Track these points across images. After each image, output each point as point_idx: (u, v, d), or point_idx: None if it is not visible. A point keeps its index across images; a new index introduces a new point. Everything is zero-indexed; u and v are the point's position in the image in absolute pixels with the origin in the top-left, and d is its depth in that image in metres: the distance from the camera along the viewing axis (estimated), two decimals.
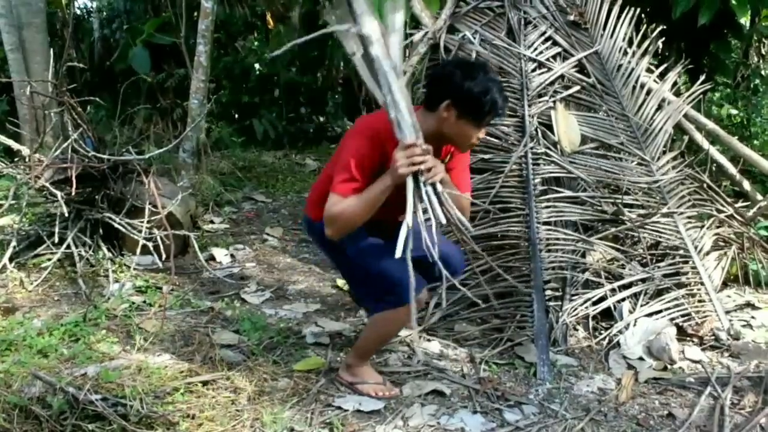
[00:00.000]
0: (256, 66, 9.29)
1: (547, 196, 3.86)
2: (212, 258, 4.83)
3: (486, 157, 4.01)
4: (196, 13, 5.91)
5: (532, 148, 3.93)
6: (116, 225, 4.35)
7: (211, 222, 5.70)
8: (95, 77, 9.89)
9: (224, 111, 9.12)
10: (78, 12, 10.39)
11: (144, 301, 3.94)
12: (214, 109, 8.84)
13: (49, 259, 4.26)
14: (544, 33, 4.31)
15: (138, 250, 4.35)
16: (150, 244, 4.22)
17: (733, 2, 5.24)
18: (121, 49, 8.89)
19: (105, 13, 9.92)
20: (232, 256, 4.94)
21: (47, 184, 4.21)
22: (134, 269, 4.30)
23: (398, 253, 2.27)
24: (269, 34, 9.94)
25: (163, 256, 4.12)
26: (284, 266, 4.79)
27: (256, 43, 9.84)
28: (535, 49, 4.26)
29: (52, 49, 5.21)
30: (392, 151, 2.45)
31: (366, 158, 2.60)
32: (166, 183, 5.06)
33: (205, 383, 3.01)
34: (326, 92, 10.40)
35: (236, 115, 9.21)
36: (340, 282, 4.35)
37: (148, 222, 4.28)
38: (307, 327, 3.71)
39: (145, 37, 8.29)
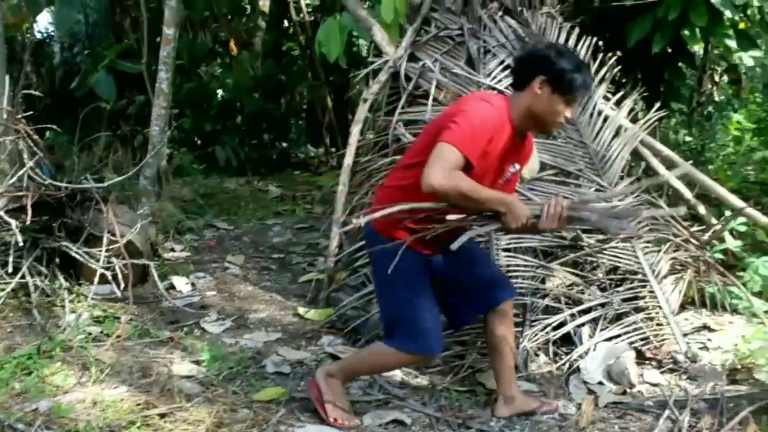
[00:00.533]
0: (219, 92, 9.27)
1: None
2: (172, 287, 4.76)
3: None
4: (159, 39, 5.87)
5: None
6: (73, 254, 4.28)
7: (172, 250, 5.63)
8: (55, 103, 9.77)
9: (187, 138, 9.06)
10: (39, 36, 10.27)
11: (101, 332, 3.87)
12: (176, 136, 8.79)
13: (2, 290, 4.16)
14: (503, 61, 4.37)
15: (96, 280, 4.27)
16: (108, 273, 4.15)
17: (685, 32, 5.37)
18: (83, 75, 8.80)
19: (66, 39, 9.83)
20: (192, 284, 4.88)
21: (1, 213, 4.12)
22: (92, 299, 4.21)
23: (455, 246, 2.53)
24: (232, 60, 9.93)
25: (122, 285, 4.06)
26: (245, 294, 4.75)
27: (219, 69, 9.82)
28: (495, 77, 4.32)
29: (8, 75, 5.14)
30: (498, 141, 2.60)
31: (487, 127, 2.58)
32: (126, 211, 4.99)
33: (162, 416, 2.96)
34: (289, 119, 10.41)
35: (199, 142, 9.16)
36: (302, 310, 4.33)
37: (106, 251, 4.21)
38: (268, 356, 3.68)
39: (108, 63, 8.22)
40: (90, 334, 3.79)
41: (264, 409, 3.11)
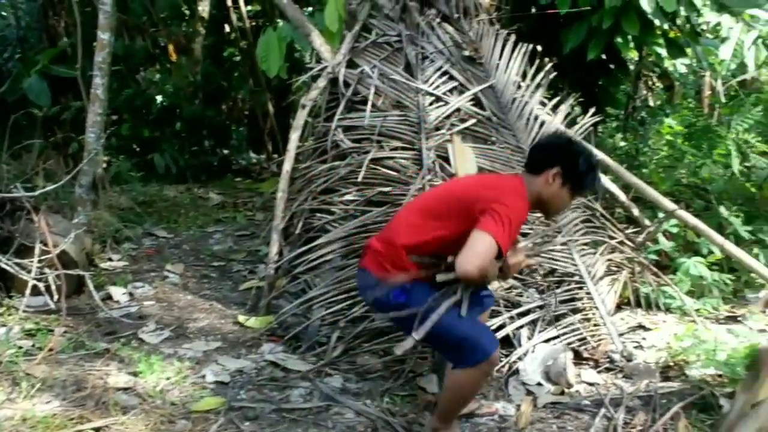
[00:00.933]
0: (158, 98, 9.11)
1: None
2: (109, 297, 4.65)
3: (385, 189, 4.06)
4: (95, 44, 5.73)
5: (429, 180, 3.99)
6: (3, 265, 4.13)
7: (109, 260, 5.50)
8: None
9: (125, 144, 8.87)
10: None
11: (33, 345, 3.74)
12: (113, 143, 8.60)
13: None
14: (441, 68, 4.42)
15: (28, 291, 4.14)
16: (41, 285, 4.03)
17: (618, 40, 5.52)
18: (14, 79, 8.54)
19: None
20: (130, 294, 4.77)
21: None
22: (23, 311, 4.08)
23: (463, 312, 2.66)
24: (171, 66, 9.78)
25: (56, 297, 3.95)
26: (185, 304, 4.67)
27: (157, 75, 9.65)
28: (432, 83, 4.36)
29: None
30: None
31: (521, 223, 2.81)
32: (59, 220, 4.86)
33: (97, 430, 2.89)
34: (230, 125, 10.29)
35: (137, 149, 8.98)
36: (242, 318, 4.28)
37: (39, 261, 4.08)
38: (207, 366, 3.62)
39: (40, 67, 7.99)
40: (21, 348, 3.65)
41: (203, 419, 3.06)
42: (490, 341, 2.72)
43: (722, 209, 4.87)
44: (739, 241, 4.75)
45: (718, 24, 5.94)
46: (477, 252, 2.55)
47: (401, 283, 2.75)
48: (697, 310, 4.47)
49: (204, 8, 10.13)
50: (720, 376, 3.42)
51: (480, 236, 2.57)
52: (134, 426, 2.93)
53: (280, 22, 5.44)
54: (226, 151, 9.92)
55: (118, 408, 3.07)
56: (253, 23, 10.15)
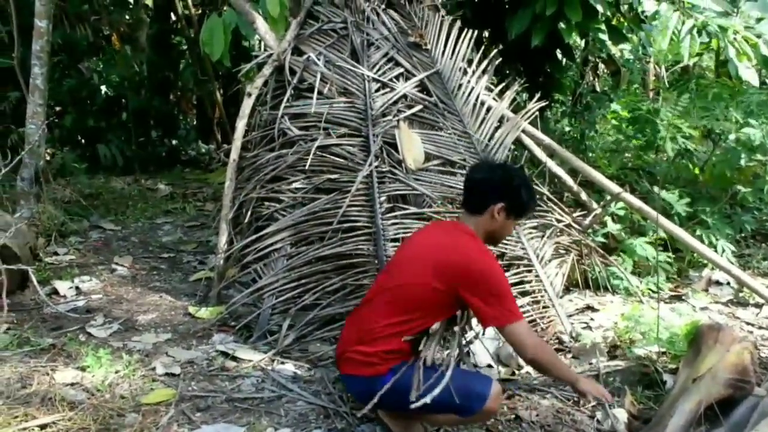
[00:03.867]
0: (103, 89, 8.91)
1: (394, 214, 3.94)
2: (55, 292, 4.54)
3: (332, 177, 4.05)
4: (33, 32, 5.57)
5: (377, 167, 4.00)
6: None
7: (55, 254, 5.38)
8: None
9: (69, 136, 8.66)
10: None
11: None
12: (57, 135, 8.39)
13: None
14: (387, 54, 4.42)
15: None
16: None
17: (561, 26, 5.58)
18: None
19: None
20: (77, 288, 4.67)
21: None
22: None
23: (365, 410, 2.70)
24: (116, 55, 9.57)
25: None
26: (134, 296, 4.59)
27: (101, 65, 9.43)
28: (379, 69, 4.36)
29: None
30: None
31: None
32: (0, 214, 4.73)
33: (43, 427, 2.83)
34: (178, 115, 10.13)
35: (82, 141, 8.78)
36: (192, 309, 4.23)
37: None
38: (158, 357, 3.58)
39: None
40: None
41: (153, 411, 3.02)
42: (482, 384, 2.67)
43: (663, 192, 4.98)
44: (682, 223, 4.88)
45: (657, 12, 6.05)
46: (526, 344, 2.62)
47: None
48: (643, 291, 4.58)
49: None
50: (664, 353, 3.51)
51: (511, 332, 2.62)
52: (82, 421, 2.88)
53: (226, 10, 5.35)
54: (174, 142, 9.76)
55: (65, 404, 3.01)
56: (199, 11, 9.99)
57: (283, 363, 3.53)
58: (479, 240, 2.77)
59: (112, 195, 7.34)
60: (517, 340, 2.62)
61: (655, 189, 5.13)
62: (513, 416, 3.10)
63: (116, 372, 3.36)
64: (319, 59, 4.37)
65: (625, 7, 6.37)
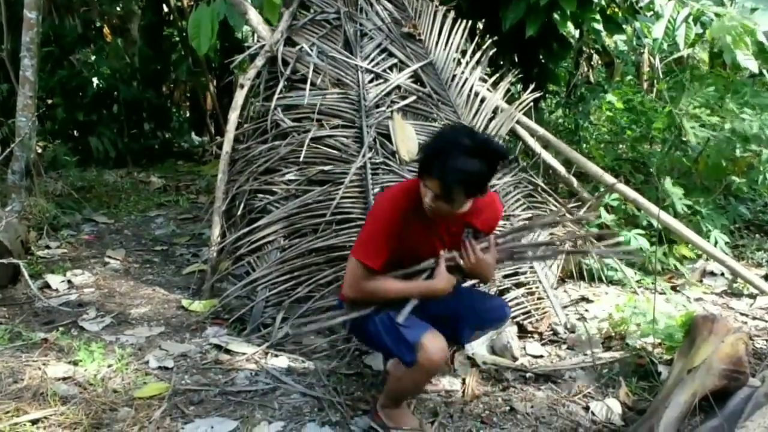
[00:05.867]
0: (94, 81, 8.85)
1: None
2: (47, 286, 4.51)
3: (326, 168, 4.02)
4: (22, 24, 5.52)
5: (370, 159, 3.98)
6: None
7: (47, 247, 5.34)
8: None
9: (60, 129, 8.60)
10: None
11: None
12: (48, 127, 8.33)
13: None
14: (380, 45, 4.39)
15: None
16: None
17: (556, 16, 5.55)
18: None
19: None
20: (69, 282, 4.64)
21: None
22: None
23: (400, 319, 2.57)
24: (107, 47, 9.50)
25: None
26: (127, 290, 4.56)
27: (92, 57, 9.36)
28: (372, 60, 4.33)
29: None
30: (409, 227, 2.59)
31: (386, 230, 2.60)
32: None
33: (34, 422, 2.81)
34: (171, 107, 10.07)
35: (75, 133, 8.72)
36: (186, 302, 4.21)
37: None
38: (151, 351, 3.56)
39: None
40: None
41: (146, 405, 3.00)
42: (414, 333, 2.61)
43: (667, 182, 4.95)
44: (677, 213, 4.87)
45: (652, 2, 6.03)
46: (346, 276, 2.68)
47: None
48: (638, 282, 4.57)
49: None
50: (659, 344, 3.50)
51: (349, 261, 2.68)
52: (74, 415, 2.86)
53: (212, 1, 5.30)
54: (167, 134, 9.70)
55: (57, 398, 2.99)
56: (191, 2, 9.92)
57: (276, 356, 3.51)
58: (403, 192, 2.66)
59: (105, 188, 7.30)
60: (347, 271, 2.69)
61: (654, 179, 5.12)
62: (508, 408, 3.10)
63: (109, 366, 3.34)
64: (312, 50, 4.34)
65: None
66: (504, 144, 2.87)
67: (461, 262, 2.66)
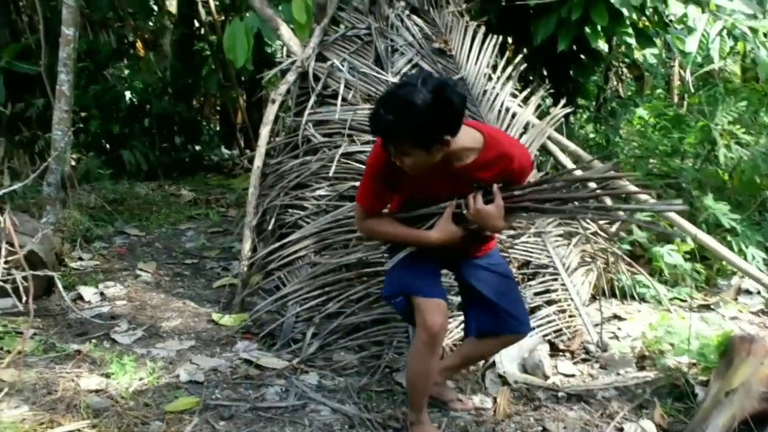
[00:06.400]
0: (127, 95, 8.98)
1: None
2: (80, 297, 4.57)
3: (356, 184, 4.02)
4: (60, 39, 5.63)
5: None
6: None
7: (80, 259, 5.40)
8: None
9: (94, 142, 8.72)
10: None
11: (1, 348, 3.67)
12: (82, 140, 8.46)
13: None
14: (411, 60, 4.39)
15: None
16: (8, 286, 3.94)
17: (587, 30, 5.53)
18: None
19: None
20: (101, 294, 4.69)
21: None
22: None
23: (387, 266, 2.84)
24: (140, 61, 9.63)
25: (24, 298, 3.86)
26: (158, 302, 4.60)
27: (126, 71, 9.50)
28: (403, 75, 4.33)
29: None
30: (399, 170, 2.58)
31: (375, 171, 2.69)
32: (26, 220, 4.76)
33: None
34: (201, 121, 10.17)
35: (107, 146, 8.84)
36: (216, 316, 4.23)
37: (5, 262, 3.99)
38: (181, 365, 3.58)
39: (3, 64, 7.83)
40: None
41: (177, 419, 3.02)
42: (394, 289, 2.82)
43: (708, 199, 4.87)
44: (710, 230, 4.80)
45: (685, 15, 5.97)
46: (358, 224, 2.93)
47: None
48: (671, 299, 4.50)
49: (171, 2, 10.01)
50: (694, 364, 3.44)
51: (355, 208, 2.91)
52: (106, 428, 2.89)
53: (248, 15, 5.37)
54: (197, 148, 9.79)
55: (89, 410, 3.02)
56: (222, 18, 10.04)
57: (307, 372, 3.51)
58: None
59: (136, 200, 7.37)
60: (355, 216, 2.92)
61: (687, 195, 5.05)
62: (540, 428, 3.06)
63: (140, 379, 3.37)
64: (343, 65, 4.36)
65: (651, 10, 6.29)
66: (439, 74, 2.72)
67: (464, 211, 2.63)
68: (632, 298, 4.57)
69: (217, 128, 10.89)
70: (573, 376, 3.57)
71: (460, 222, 2.66)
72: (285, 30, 4.75)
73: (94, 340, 3.85)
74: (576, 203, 2.66)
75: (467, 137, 2.56)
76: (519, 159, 2.64)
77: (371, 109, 2.56)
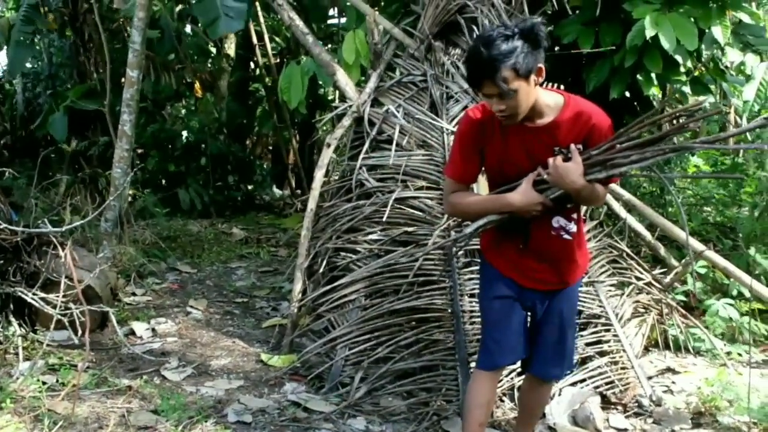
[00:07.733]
0: (184, 134, 9.23)
1: (471, 268, 3.89)
2: (133, 333, 4.66)
3: (410, 229, 4.04)
4: (123, 80, 5.84)
5: (455, 220, 3.97)
6: (29, 299, 4.16)
7: (133, 294, 5.51)
8: (17, 143, 9.63)
9: (151, 179, 8.97)
10: (0, 75, 10.18)
11: (57, 381, 3.74)
12: (139, 177, 8.69)
13: None
14: (466, 107, 4.42)
15: (52, 326, 4.15)
16: (65, 319, 4.04)
17: (640, 78, 5.50)
18: (44, 115, 8.71)
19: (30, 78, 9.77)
20: (153, 330, 4.77)
21: None
22: (47, 345, 4.09)
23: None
24: (197, 102, 9.91)
25: (80, 332, 3.95)
26: (207, 340, 4.66)
27: (183, 111, 9.79)
28: (458, 123, 4.36)
29: None
30: (487, 138, 2.65)
31: (463, 140, 2.74)
32: (84, 255, 4.89)
33: None
34: (254, 160, 10.37)
35: (163, 183, 9.07)
36: (265, 356, 4.25)
37: (64, 296, 4.10)
38: (230, 405, 3.60)
39: (69, 103, 8.14)
40: (44, 383, 3.66)
41: None
42: (486, 353, 2.77)
43: (751, 250, 4.78)
44: None
45: (742, 63, 5.91)
46: (445, 199, 2.88)
47: None
48: (728, 354, 4.38)
49: (230, 46, 10.31)
50: (754, 423, 3.33)
51: (444, 182, 3.02)
52: None
53: (304, 59, 5.50)
54: (249, 187, 9.97)
55: None
56: (278, 60, 10.29)
57: (354, 416, 3.50)
58: (479, 106, 2.73)
59: (189, 238, 7.51)
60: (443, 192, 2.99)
61: (743, 246, 4.94)
62: None
63: (189, 418, 3.39)
64: (398, 111, 4.41)
65: (706, 57, 6.24)
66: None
67: (545, 175, 2.59)
68: (687, 351, 4.46)
69: (270, 168, 11.09)
70: (625, 430, 3.48)
71: (542, 190, 2.62)
72: (341, 75, 4.85)
73: (145, 376, 3.91)
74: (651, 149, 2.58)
75: (549, 97, 2.63)
76: (597, 117, 2.66)
77: (466, 58, 2.57)
